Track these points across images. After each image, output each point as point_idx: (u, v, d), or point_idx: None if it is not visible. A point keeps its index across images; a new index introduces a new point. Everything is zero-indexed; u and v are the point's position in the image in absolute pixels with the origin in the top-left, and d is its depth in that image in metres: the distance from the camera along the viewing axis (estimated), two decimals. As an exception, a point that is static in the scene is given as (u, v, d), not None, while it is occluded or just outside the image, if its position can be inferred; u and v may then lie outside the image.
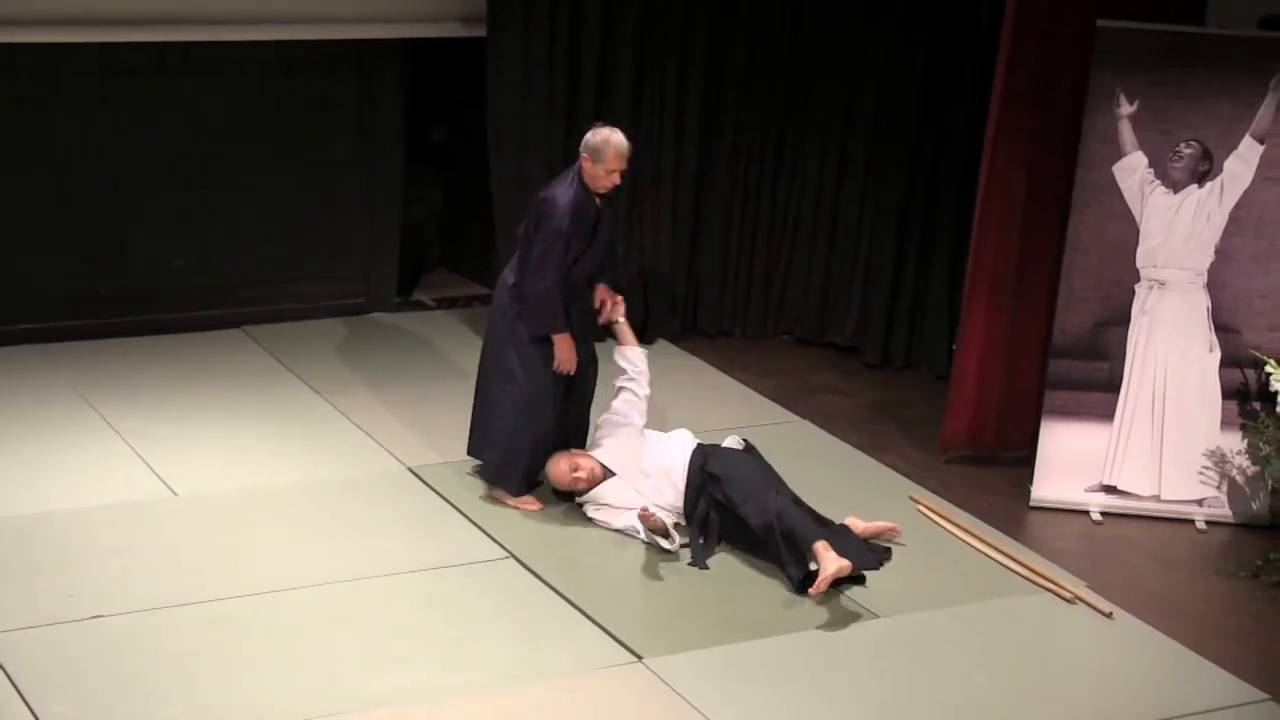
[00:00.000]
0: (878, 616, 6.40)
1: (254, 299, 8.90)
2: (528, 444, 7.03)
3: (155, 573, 6.34)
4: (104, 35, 8.06)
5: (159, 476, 7.13)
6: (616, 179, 6.82)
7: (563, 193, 6.81)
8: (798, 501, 6.71)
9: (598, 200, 6.88)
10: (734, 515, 6.68)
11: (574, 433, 7.21)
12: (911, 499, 7.39)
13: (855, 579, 6.52)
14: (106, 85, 8.35)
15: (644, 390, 7.21)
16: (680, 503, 6.88)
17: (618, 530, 6.89)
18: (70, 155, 8.37)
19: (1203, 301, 7.26)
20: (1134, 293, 7.27)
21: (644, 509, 6.75)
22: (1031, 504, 7.42)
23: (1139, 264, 7.26)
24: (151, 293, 8.68)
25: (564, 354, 6.92)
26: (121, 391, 7.93)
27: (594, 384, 7.26)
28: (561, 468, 6.99)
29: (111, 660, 5.77)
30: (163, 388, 8.02)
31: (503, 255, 8.63)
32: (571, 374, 6.97)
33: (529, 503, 7.09)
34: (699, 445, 7.00)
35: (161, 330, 8.64)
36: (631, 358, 7.23)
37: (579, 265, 6.91)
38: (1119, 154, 7.17)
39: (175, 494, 7.01)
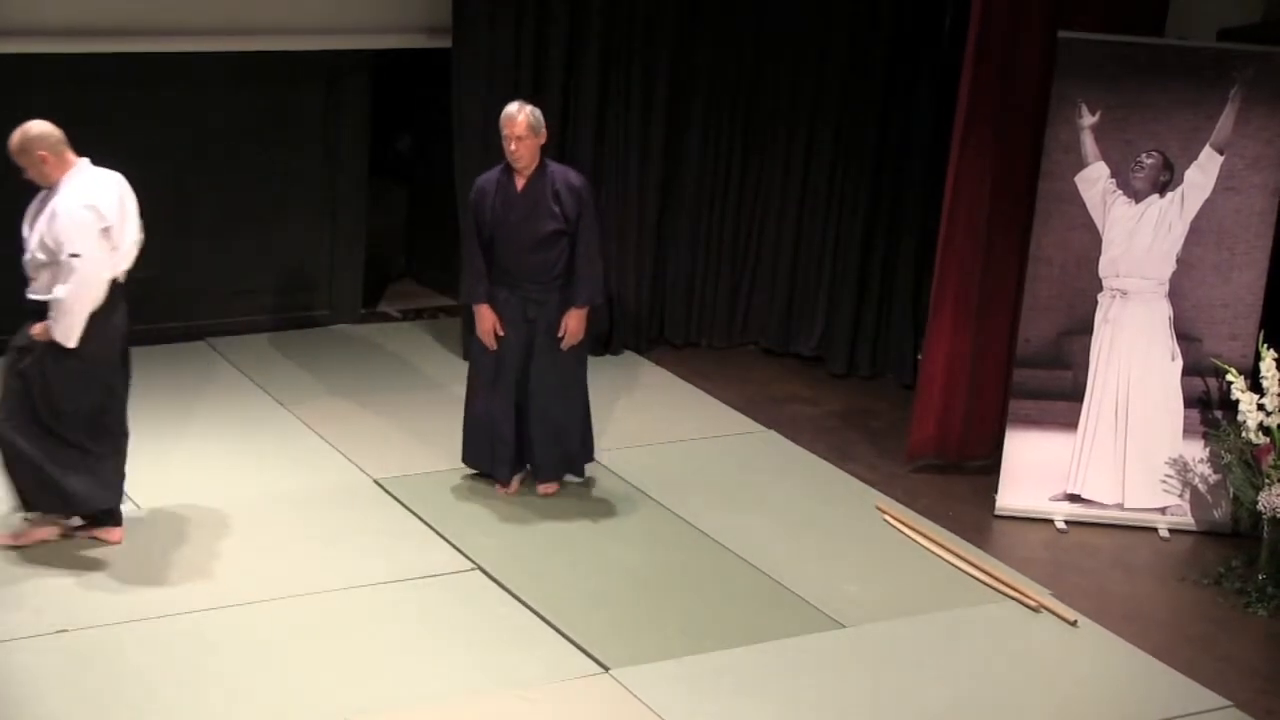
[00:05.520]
0: (844, 626, 6.41)
1: (217, 310, 8.87)
2: (467, 421, 7.24)
3: (120, 587, 6.31)
4: (67, 46, 8.02)
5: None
6: (510, 146, 6.86)
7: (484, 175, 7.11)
8: None
9: (520, 183, 6.92)
10: None
11: (535, 434, 7.15)
12: (878, 509, 7.41)
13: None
14: (68, 95, 8.29)
15: None
16: None
17: None
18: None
19: (1164, 310, 7.30)
20: (1097, 302, 7.31)
21: None
22: (997, 513, 7.44)
23: (1101, 273, 7.29)
24: (115, 305, 8.63)
25: (479, 325, 7.09)
26: (85, 404, 7.88)
27: (553, 390, 7.11)
28: None
29: (77, 675, 5.73)
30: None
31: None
32: (492, 349, 7.04)
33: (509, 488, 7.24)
34: None
35: (125, 342, 8.60)
36: None
37: (499, 246, 6.97)
38: (1081, 164, 7.20)
39: (139, 507, 6.97)
